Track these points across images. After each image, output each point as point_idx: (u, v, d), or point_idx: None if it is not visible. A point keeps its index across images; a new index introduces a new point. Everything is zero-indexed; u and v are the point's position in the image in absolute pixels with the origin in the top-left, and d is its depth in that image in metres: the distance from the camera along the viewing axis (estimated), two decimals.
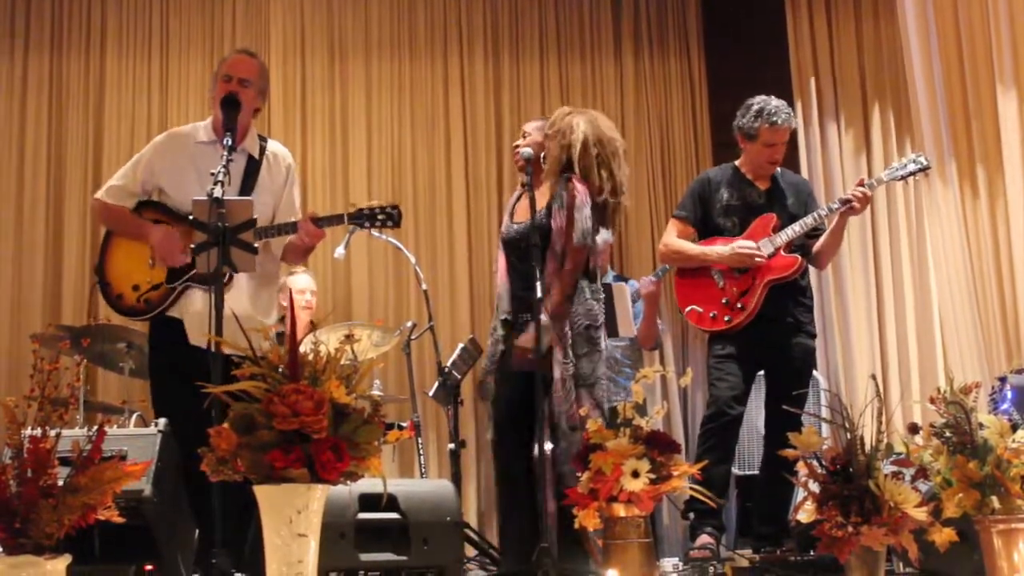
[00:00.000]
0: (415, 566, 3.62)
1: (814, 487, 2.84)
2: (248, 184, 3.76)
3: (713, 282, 4.42)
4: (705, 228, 4.49)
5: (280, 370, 2.31)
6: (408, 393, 5.42)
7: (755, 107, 4.42)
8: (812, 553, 3.82)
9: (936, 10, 5.68)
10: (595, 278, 3.94)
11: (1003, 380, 4.34)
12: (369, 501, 3.58)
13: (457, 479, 4.89)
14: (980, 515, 2.86)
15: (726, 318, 4.37)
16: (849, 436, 2.81)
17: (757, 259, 4.32)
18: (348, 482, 2.35)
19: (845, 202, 4.38)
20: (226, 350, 2.68)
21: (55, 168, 6.51)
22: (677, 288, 4.60)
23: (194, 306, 3.63)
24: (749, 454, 5.49)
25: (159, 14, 6.74)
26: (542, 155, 4.00)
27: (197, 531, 3.61)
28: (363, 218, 3.74)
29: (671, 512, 5.72)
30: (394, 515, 3.63)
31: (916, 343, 6.19)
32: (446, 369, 5.06)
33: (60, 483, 2.31)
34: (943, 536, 2.78)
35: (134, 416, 5.05)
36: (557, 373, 3.74)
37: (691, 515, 4.23)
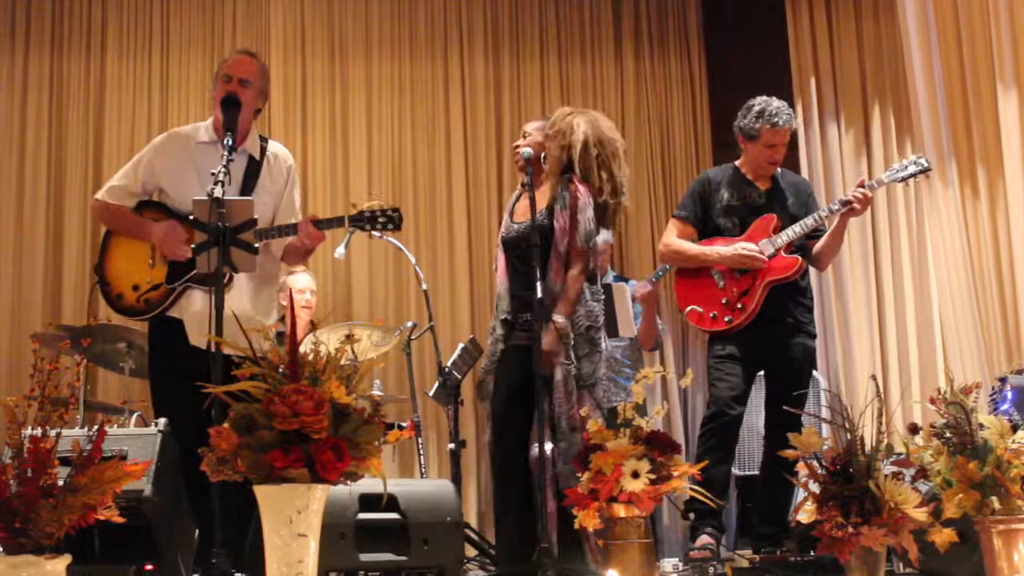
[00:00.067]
0: (415, 566, 3.63)
1: (814, 487, 2.84)
2: (249, 185, 3.76)
3: (713, 282, 4.42)
4: (705, 228, 4.49)
5: (280, 370, 2.31)
6: (408, 393, 5.42)
7: (756, 108, 4.42)
8: (812, 553, 3.82)
9: (936, 10, 5.68)
10: (595, 279, 3.95)
11: (1003, 380, 4.34)
12: (369, 501, 3.58)
13: (457, 479, 4.89)
14: (980, 516, 2.86)
15: (726, 318, 4.37)
16: (849, 436, 2.81)
17: (758, 262, 4.32)
18: (348, 482, 2.35)
19: (845, 203, 4.38)
20: (226, 350, 2.68)
21: (55, 168, 6.51)
22: (677, 288, 4.59)
23: (194, 306, 3.63)
24: (749, 454, 5.49)
25: (159, 14, 6.74)
26: (542, 155, 4.00)
27: (197, 531, 3.61)
28: (364, 221, 3.74)
29: (671, 512, 5.72)
30: (394, 515, 3.63)
31: (916, 343, 6.18)
32: (446, 369, 5.06)
33: (60, 483, 2.31)
34: (943, 537, 2.78)
35: (134, 416, 5.05)
36: (559, 374, 3.74)
37: (691, 515, 4.23)
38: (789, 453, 2.90)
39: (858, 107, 6.56)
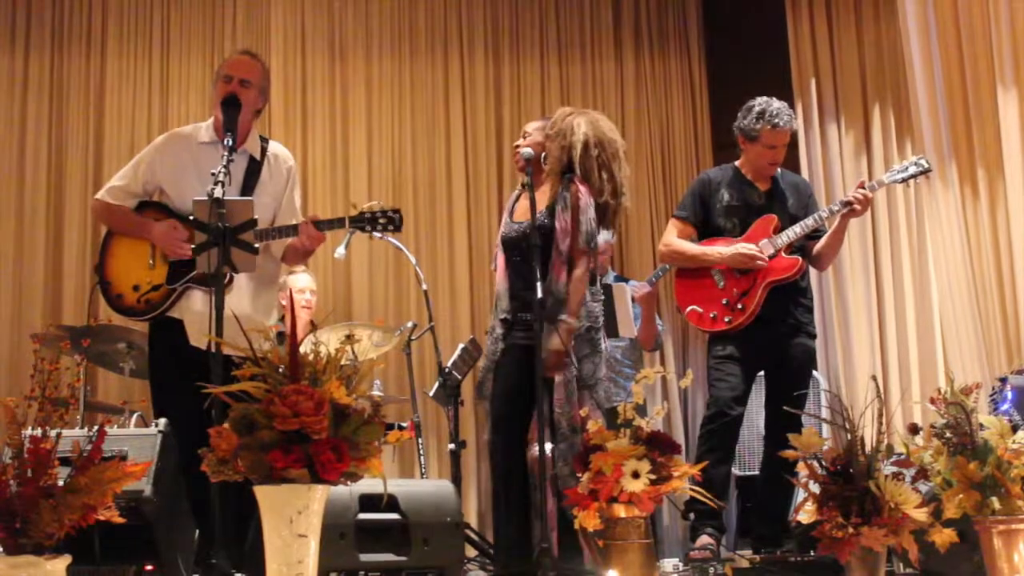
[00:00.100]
0: (415, 566, 3.62)
1: (814, 488, 2.85)
2: (249, 185, 3.76)
3: (713, 282, 4.42)
4: (705, 228, 4.49)
5: (280, 370, 2.31)
6: (408, 393, 5.42)
7: (757, 109, 4.42)
8: (812, 554, 3.82)
9: (936, 10, 5.68)
10: (594, 280, 3.95)
11: (1003, 381, 4.34)
12: (369, 501, 3.58)
13: (457, 479, 4.89)
14: (980, 516, 2.86)
15: (726, 319, 4.36)
16: (849, 437, 2.81)
17: (759, 262, 4.32)
18: (348, 482, 2.35)
19: (846, 204, 4.37)
20: (226, 350, 2.68)
21: (55, 168, 6.50)
22: (677, 288, 4.59)
23: (195, 307, 3.63)
24: (749, 455, 5.49)
25: (160, 14, 6.73)
26: (543, 155, 4.00)
27: (197, 531, 3.61)
28: (364, 222, 3.74)
29: (671, 513, 5.72)
30: (394, 515, 3.63)
31: (916, 344, 6.18)
32: (446, 369, 5.06)
33: (60, 483, 2.31)
34: (943, 537, 2.78)
35: (134, 416, 5.06)
36: (559, 376, 3.74)
37: (691, 516, 4.23)
38: (789, 453, 2.90)
39: (858, 107, 6.56)
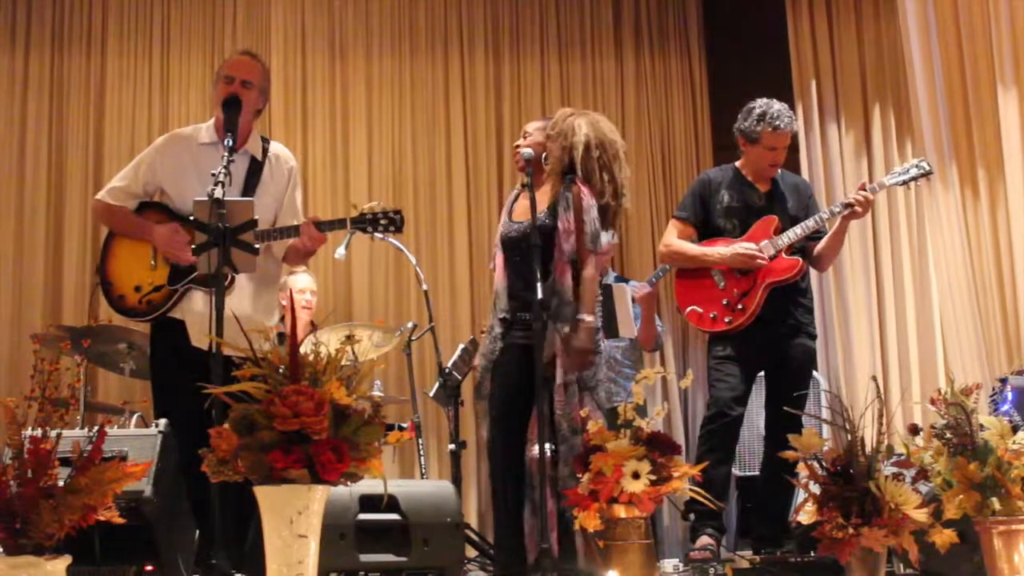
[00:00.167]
0: (415, 567, 3.62)
1: (815, 488, 2.85)
2: (250, 185, 3.76)
3: (713, 283, 4.41)
4: (705, 229, 4.49)
5: (281, 371, 2.31)
6: (409, 394, 5.42)
7: (757, 111, 4.42)
8: (812, 554, 3.82)
9: (937, 10, 5.68)
10: None
11: (1004, 381, 4.34)
12: (370, 502, 3.58)
13: (458, 480, 4.89)
14: (980, 516, 2.86)
15: (726, 319, 4.36)
16: (850, 437, 2.81)
17: (759, 261, 4.32)
18: (348, 483, 2.35)
19: (847, 206, 4.37)
20: (227, 351, 2.68)
21: (56, 168, 6.51)
22: (677, 289, 4.59)
23: (196, 307, 3.63)
24: (750, 455, 5.49)
25: (160, 14, 6.74)
26: (543, 155, 4.00)
27: (197, 531, 3.61)
28: (365, 223, 3.74)
29: (672, 513, 5.72)
30: (395, 516, 3.63)
31: (917, 344, 6.18)
32: (447, 370, 5.06)
33: (60, 483, 2.31)
34: (943, 537, 2.78)
35: (134, 417, 5.06)
36: (560, 377, 3.74)
37: (691, 516, 4.23)
38: (789, 454, 2.90)
39: (858, 108, 6.56)
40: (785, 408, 3.61)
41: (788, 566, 3.89)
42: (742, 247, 4.35)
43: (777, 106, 4.42)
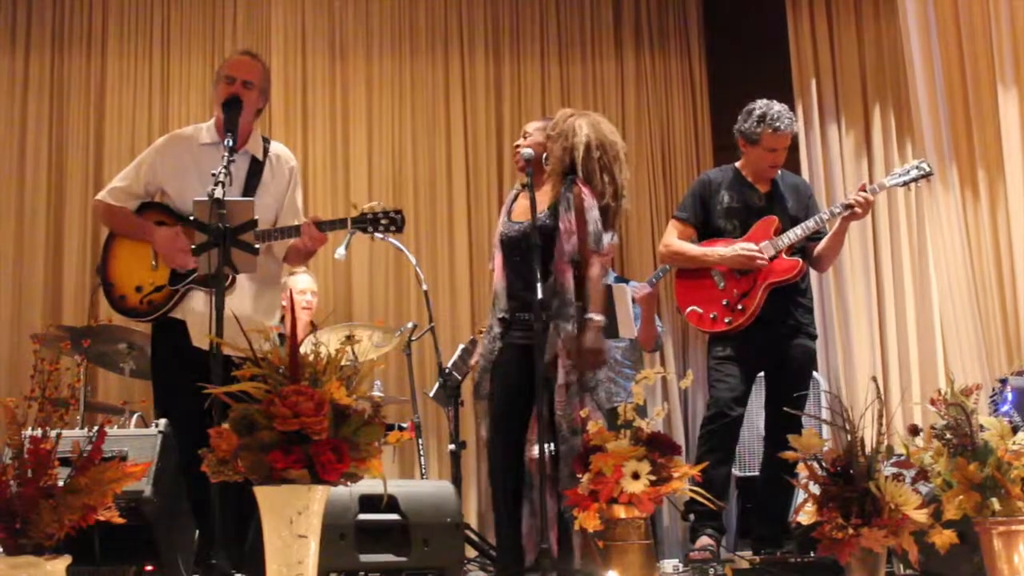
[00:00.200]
0: (415, 567, 3.62)
1: (814, 489, 2.84)
2: (251, 185, 3.76)
3: (713, 283, 4.41)
4: (705, 230, 4.49)
5: (281, 371, 2.31)
6: (408, 394, 5.42)
7: (757, 112, 4.41)
8: (812, 555, 3.83)
9: (937, 10, 5.68)
10: None
11: (1004, 382, 4.34)
12: (369, 502, 3.58)
13: (457, 480, 4.89)
14: (980, 517, 2.86)
15: (726, 319, 4.36)
16: (849, 438, 2.81)
17: (759, 262, 4.32)
18: (348, 483, 2.35)
19: (847, 207, 4.37)
20: (226, 351, 2.68)
21: (56, 168, 6.51)
22: (677, 289, 4.59)
23: (197, 307, 3.63)
24: (749, 455, 5.49)
25: (160, 14, 6.74)
26: (544, 155, 4.00)
27: (197, 531, 3.61)
28: (366, 223, 3.74)
29: (671, 513, 5.72)
30: (394, 516, 3.63)
31: (917, 345, 6.18)
32: (446, 370, 5.06)
33: (60, 483, 2.31)
34: (943, 538, 2.78)
35: (134, 417, 5.06)
36: (561, 378, 3.74)
37: (691, 517, 4.23)
38: (789, 455, 2.90)
39: (859, 108, 6.56)
40: (785, 408, 3.61)
41: (788, 566, 3.89)
42: (743, 248, 4.35)
43: (777, 107, 4.42)
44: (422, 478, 5.32)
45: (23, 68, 6.57)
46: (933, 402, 3.00)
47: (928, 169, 4.53)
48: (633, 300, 5.14)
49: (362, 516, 3.58)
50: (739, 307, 4.35)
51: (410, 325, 5.41)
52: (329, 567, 3.42)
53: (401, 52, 6.95)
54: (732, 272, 4.38)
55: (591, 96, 7.06)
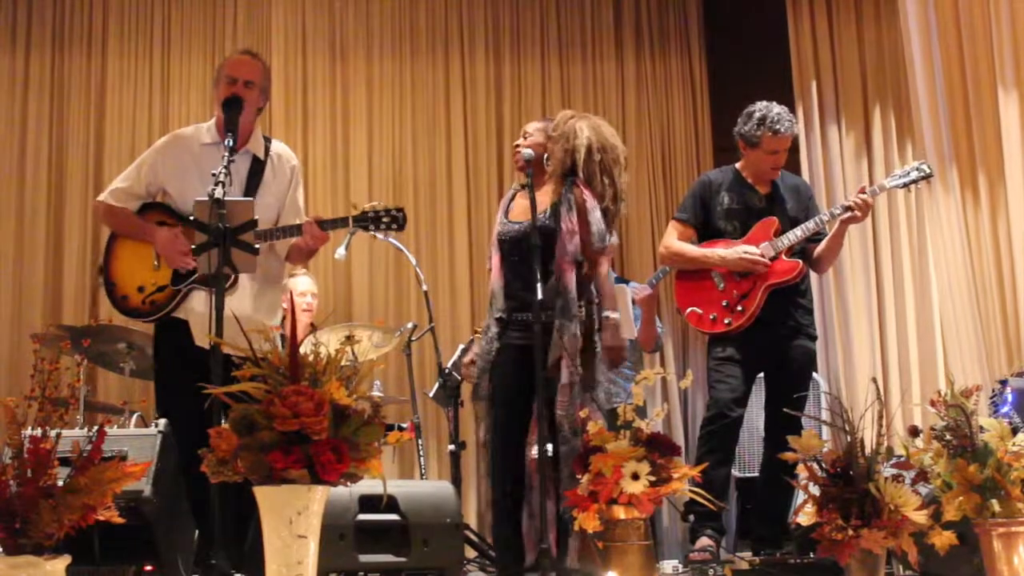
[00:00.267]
0: (415, 567, 3.62)
1: (814, 490, 2.85)
2: (252, 184, 3.76)
3: (713, 284, 4.42)
4: (705, 231, 4.49)
5: (281, 371, 2.31)
6: (408, 394, 5.42)
7: (757, 115, 4.41)
8: (812, 556, 3.83)
9: (937, 12, 5.68)
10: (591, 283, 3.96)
11: (1004, 383, 4.34)
12: (369, 502, 3.58)
13: (457, 480, 4.89)
14: (980, 518, 2.86)
15: (726, 320, 4.36)
16: (849, 439, 2.81)
17: (761, 267, 4.32)
18: (348, 483, 2.35)
19: (847, 209, 4.37)
20: (228, 351, 2.68)
21: (56, 168, 6.51)
22: (677, 290, 4.59)
23: (199, 307, 3.63)
24: (749, 456, 5.49)
25: (161, 14, 6.74)
26: (544, 156, 4.01)
27: (197, 531, 3.61)
28: (368, 221, 3.74)
29: (671, 514, 5.72)
30: (394, 516, 3.63)
31: (917, 346, 6.18)
32: (446, 370, 5.06)
33: (60, 483, 2.31)
34: (943, 539, 2.78)
35: (134, 416, 5.05)
36: (565, 378, 3.74)
37: (691, 517, 4.23)
38: (789, 456, 2.90)
39: (859, 109, 6.56)
40: (785, 409, 3.61)
41: (788, 567, 3.89)
42: (744, 250, 4.35)
43: (777, 109, 4.42)
44: (422, 478, 5.32)
45: (23, 67, 6.57)
46: (933, 403, 3.00)
47: (928, 170, 4.54)
48: (633, 301, 5.14)
49: (362, 516, 3.58)
50: (739, 308, 4.35)
51: (410, 325, 5.41)
52: (329, 567, 3.42)
53: (401, 52, 6.95)
54: (732, 273, 4.38)
55: (591, 96, 7.06)
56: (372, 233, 3.79)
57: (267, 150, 3.86)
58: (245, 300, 3.65)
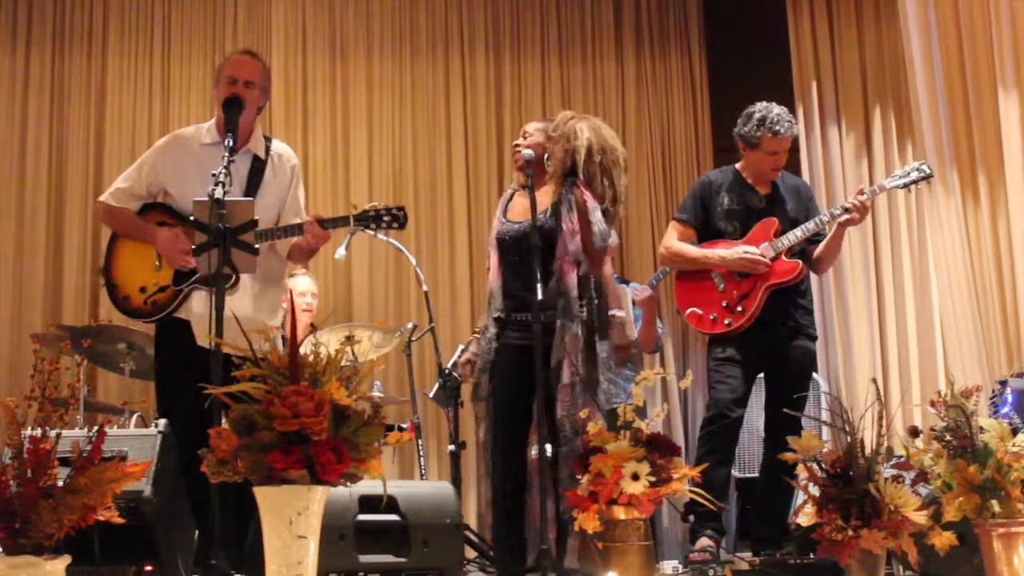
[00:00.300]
0: (415, 568, 3.62)
1: (814, 490, 2.85)
2: (253, 184, 3.76)
3: (713, 285, 4.42)
4: (706, 231, 4.49)
5: (280, 371, 2.31)
6: (408, 395, 5.42)
7: (757, 116, 4.41)
8: (812, 556, 3.83)
9: (937, 12, 5.68)
10: (590, 282, 3.96)
11: (1004, 384, 4.34)
12: (369, 502, 3.57)
13: (457, 481, 4.89)
14: (980, 519, 2.86)
15: (726, 321, 4.36)
16: (849, 439, 2.81)
17: (761, 267, 4.32)
18: (348, 483, 2.35)
19: (845, 210, 4.37)
20: (228, 351, 2.68)
21: (56, 168, 6.51)
22: (677, 290, 4.59)
23: (201, 307, 3.63)
24: (749, 457, 5.49)
25: (161, 13, 6.74)
26: (545, 156, 4.01)
27: (197, 531, 3.61)
28: (369, 219, 3.74)
29: (671, 514, 5.72)
30: (394, 517, 3.63)
31: (917, 346, 6.18)
32: (446, 371, 5.06)
33: (60, 483, 2.31)
34: (943, 540, 2.78)
35: (134, 417, 5.05)
36: (566, 378, 3.74)
37: (691, 518, 4.23)
38: (789, 456, 2.90)
39: (859, 110, 6.56)
40: (785, 410, 3.61)
41: (787, 568, 3.89)
42: (745, 251, 4.35)
43: (776, 110, 4.42)
44: (422, 479, 5.32)
45: (24, 67, 6.57)
46: (933, 404, 3.00)
47: (928, 171, 4.54)
48: (634, 302, 5.15)
49: (362, 517, 3.57)
50: (739, 308, 4.35)
51: (410, 326, 5.40)
52: (328, 568, 3.41)
53: (402, 52, 6.95)
54: (732, 274, 4.38)
55: (591, 97, 7.06)
56: (373, 232, 3.78)
57: (267, 149, 3.86)
58: (246, 300, 3.65)
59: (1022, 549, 2.83)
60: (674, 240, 4.52)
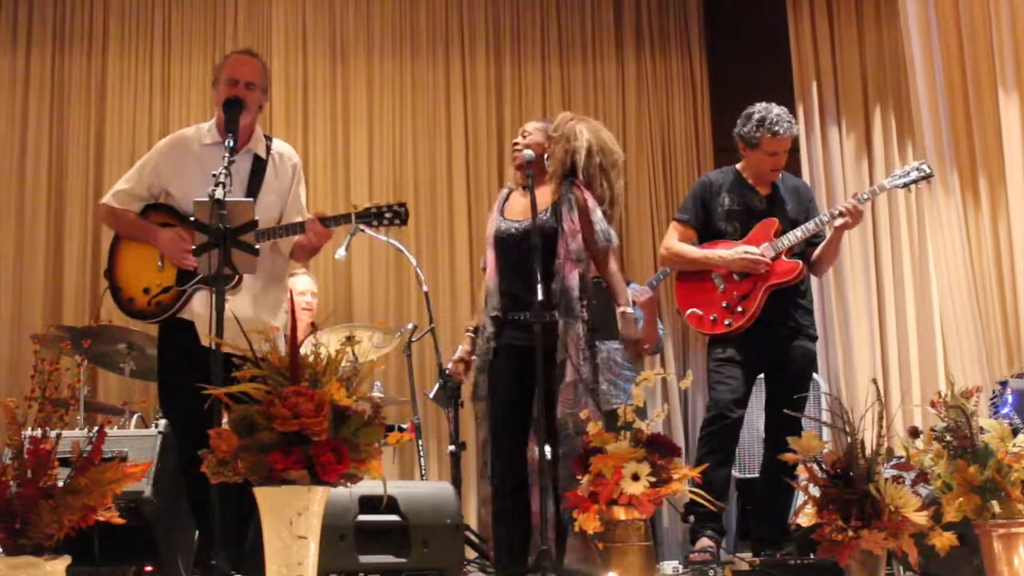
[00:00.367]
0: (415, 568, 3.62)
1: (814, 491, 2.85)
2: (254, 184, 3.76)
3: (713, 285, 4.41)
4: (706, 232, 4.49)
5: (281, 372, 2.31)
6: (409, 395, 5.41)
7: (756, 116, 4.41)
8: (812, 557, 3.83)
9: (938, 13, 5.68)
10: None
11: (1004, 384, 4.34)
12: (369, 503, 3.58)
13: (457, 481, 4.89)
14: (980, 519, 2.86)
15: (726, 321, 4.36)
16: (849, 440, 2.81)
17: (762, 267, 4.32)
18: (348, 484, 2.35)
19: (840, 214, 4.37)
20: (227, 350, 2.68)
21: (56, 168, 6.51)
22: (678, 290, 4.59)
23: (202, 308, 3.62)
24: (749, 457, 5.49)
25: (161, 14, 6.74)
26: (545, 156, 4.01)
27: (197, 532, 3.61)
28: (371, 217, 3.73)
29: (671, 515, 5.72)
30: (394, 517, 3.63)
31: (917, 346, 6.18)
32: (447, 371, 5.05)
33: (60, 484, 2.31)
34: (943, 540, 2.78)
35: (134, 417, 5.05)
36: (568, 376, 3.74)
37: (691, 518, 4.23)
38: (789, 456, 2.90)
39: (859, 111, 6.56)
40: (785, 410, 3.61)
41: (788, 568, 3.89)
42: (745, 251, 4.35)
43: (776, 111, 4.42)
44: (422, 479, 5.31)
45: (24, 67, 6.57)
46: (933, 404, 3.00)
47: (928, 171, 4.53)
48: (634, 303, 5.14)
49: (362, 517, 3.58)
50: (739, 309, 4.35)
51: (410, 326, 5.40)
52: (329, 568, 3.41)
53: (402, 53, 6.95)
54: (732, 274, 4.38)
55: (592, 97, 7.05)
56: (375, 230, 3.78)
57: (268, 148, 3.85)
58: (248, 299, 3.65)
59: (1022, 549, 2.83)
60: (674, 241, 4.52)
